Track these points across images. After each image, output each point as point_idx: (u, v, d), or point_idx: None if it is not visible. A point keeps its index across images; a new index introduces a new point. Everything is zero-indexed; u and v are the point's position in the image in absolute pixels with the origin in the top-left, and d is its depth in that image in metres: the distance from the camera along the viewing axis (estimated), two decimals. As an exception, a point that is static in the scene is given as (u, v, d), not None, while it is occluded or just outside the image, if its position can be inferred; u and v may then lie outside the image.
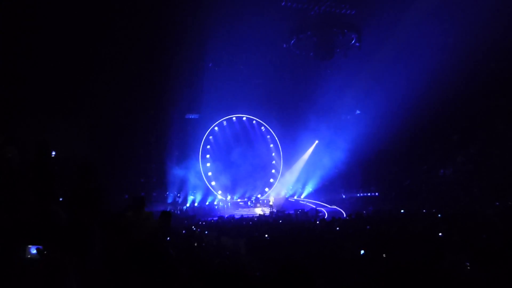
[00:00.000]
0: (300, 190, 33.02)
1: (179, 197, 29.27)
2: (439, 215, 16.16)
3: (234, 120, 32.85)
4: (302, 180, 32.94)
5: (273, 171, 33.61)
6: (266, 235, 12.57)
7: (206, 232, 14.47)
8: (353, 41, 24.62)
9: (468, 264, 5.90)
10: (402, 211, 19.75)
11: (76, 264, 2.28)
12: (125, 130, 26.58)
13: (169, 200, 28.78)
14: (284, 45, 25.11)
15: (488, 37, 21.40)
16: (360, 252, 7.86)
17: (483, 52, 22.38)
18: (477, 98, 25.12)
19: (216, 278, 2.98)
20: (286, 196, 32.53)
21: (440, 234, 9.94)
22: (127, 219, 6.21)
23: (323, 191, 32.04)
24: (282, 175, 33.25)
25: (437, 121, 27.22)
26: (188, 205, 29.32)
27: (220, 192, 31.21)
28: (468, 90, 24.48)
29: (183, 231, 13.41)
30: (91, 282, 1.99)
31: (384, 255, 7.70)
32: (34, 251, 3.18)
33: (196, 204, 29.66)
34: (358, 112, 32.01)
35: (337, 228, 12.87)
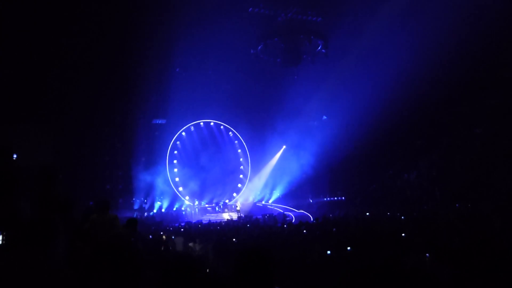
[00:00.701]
0: (268, 195, 33.14)
1: (145, 203, 28.85)
2: (402, 217, 16.57)
3: (202, 125, 32.71)
4: (270, 185, 33.08)
5: (241, 176, 33.61)
6: (234, 239, 12.56)
7: (173, 237, 14.31)
8: (319, 48, 24.99)
9: (429, 261, 6.09)
10: (367, 214, 20.13)
11: (39, 260, 2.23)
12: (90, 136, 26.04)
13: (136, 206, 28.32)
14: (252, 51, 25.24)
15: (452, 44, 22.09)
16: (326, 252, 7.97)
17: (447, 59, 23.07)
18: (440, 105, 25.90)
19: (181, 276, 2.99)
20: (254, 201, 32.57)
21: (403, 234, 10.18)
22: (92, 222, 6.12)
23: (290, 196, 32.26)
24: (250, 180, 33.29)
25: (402, 127, 27.89)
26: (155, 211, 28.92)
27: (187, 197, 30.94)
28: (432, 97, 25.22)
29: (150, 236, 13.24)
30: (53, 279, 1.96)
31: (350, 255, 7.83)
32: None
33: (163, 210, 29.29)
34: (325, 117, 32.46)
35: (304, 231, 12.98)
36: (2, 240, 3.27)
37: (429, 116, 26.86)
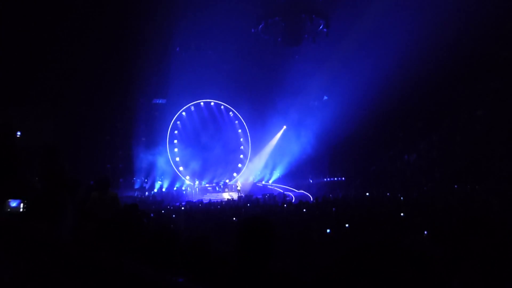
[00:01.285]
0: (268, 175, 33.29)
1: (146, 182, 29.04)
2: (402, 198, 16.70)
3: (202, 105, 32.68)
4: (270, 165, 33.21)
5: (241, 156, 33.73)
6: (234, 218, 12.68)
7: (174, 215, 14.47)
8: (321, 27, 24.75)
9: (426, 241, 6.17)
10: (367, 194, 20.27)
11: (50, 230, 2.30)
12: (91, 116, 26.04)
13: (137, 186, 28.52)
14: (253, 30, 25.02)
15: (454, 26, 21.90)
16: (326, 231, 8.07)
17: (449, 40, 22.90)
18: (442, 87, 25.80)
19: (184, 249, 3.08)
20: (254, 181, 32.74)
21: (402, 214, 10.29)
22: (93, 199, 6.18)
23: (290, 176, 32.40)
24: (250, 160, 33.42)
25: (403, 108, 27.83)
26: (155, 190, 29.12)
27: (188, 177, 31.12)
28: (433, 78, 25.11)
29: (151, 215, 13.37)
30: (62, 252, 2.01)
31: (348, 234, 7.94)
32: (14, 204, 3.36)
33: (163, 190, 29.49)
34: (325, 97, 32.37)
35: (304, 210, 13.11)
36: (23, 208, 3.43)
37: (430, 98, 26.77)
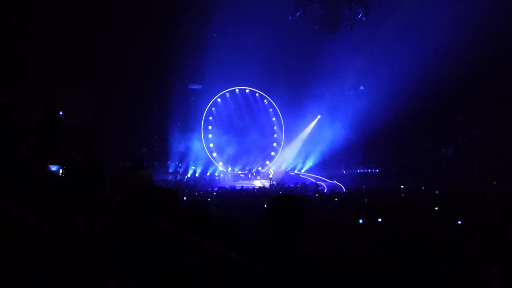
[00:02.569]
0: (300, 164, 33.18)
1: (180, 167, 29.46)
2: (437, 192, 16.35)
3: (237, 92, 32.76)
4: (303, 154, 33.07)
5: (275, 144, 33.72)
6: (265, 205, 12.74)
7: (209, 199, 14.70)
8: (359, 15, 24.27)
9: (460, 234, 6.04)
10: (402, 186, 19.94)
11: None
12: (128, 99, 26.53)
13: (171, 170, 28.99)
14: (290, 17, 24.79)
15: (496, 18, 21.15)
16: (359, 221, 8.01)
17: (492, 33, 22.13)
18: (482, 79, 24.99)
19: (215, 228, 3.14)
20: (287, 170, 32.72)
21: (436, 208, 10.08)
22: (128, 178, 6.41)
23: (323, 166, 32.22)
24: (283, 148, 33.37)
25: (441, 100, 27.13)
26: (189, 175, 29.54)
27: (221, 163, 31.40)
28: (475, 71, 24.33)
29: (185, 198, 13.61)
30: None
31: (381, 222, 7.85)
32: (53, 168, 3.60)
33: (197, 175, 29.88)
34: (362, 87, 31.85)
35: (336, 200, 13.03)
36: (61, 173, 3.65)
37: (470, 90, 25.96)
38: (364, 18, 24.01)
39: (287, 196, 2.62)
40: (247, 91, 32.99)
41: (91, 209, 1.55)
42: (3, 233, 1.32)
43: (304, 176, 31.11)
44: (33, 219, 1.45)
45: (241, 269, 1.62)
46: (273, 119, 33.79)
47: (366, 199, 13.03)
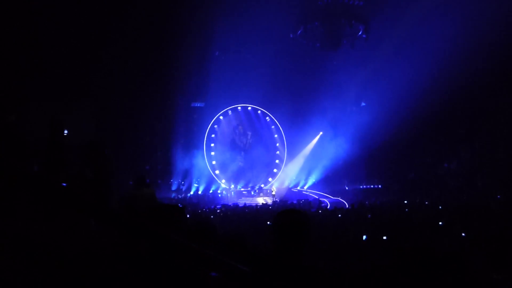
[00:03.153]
0: (303, 180, 33.13)
1: (183, 184, 29.48)
2: (440, 207, 16.28)
3: (239, 110, 32.92)
4: (306, 171, 33.04)
5: (277, 161, 33.72)
6: (268, 222, 12.71)
7: (212, 216, 14.68)
8: (360, 32, 24.55)
9: (465, 247, 6.04)
10: (405, 201, 19.88)
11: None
12: (132, 117, 26.72)
13: (174, 187, 29.00)
14: (291, 35, 25.09)
15: (495, 32, 21.34)
16: (362, 237, 7.99)
17: (490, 47, 22.31)
18: (484, 92, 25.09)
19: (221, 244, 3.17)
20: (289, 186, 32.66)
21: (440, 223, 10.05)
22: (131, 195, 6.44)
23: (326, 182, 32.13)
24: (285, 165, 33.36)
25: (443, 114, 27.20)
26: (192, 193, 29.53)
27: (224, 181, 31.39)
28: (475, 84, 24.45)
29: (188, 216, 13.59)
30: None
31: (385, 239, 7.83)
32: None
33: (200, 192, 29.87)
34: (363, 103, 31.99)
35: (339, 216, 13.00)
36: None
37: (472, 104, 26.04)
38: (364, 35, 24.29)
39: (292, 210, 2.66)
40: (249, 108, 33.14)
41: (102, 221, 1.60)
42: (14, 246, 1.36)
43: (307, 193, 31.02)
44: (44, 232, 1.49)
45: (250, 282, 1.65)
46: (275, 136, 33.85)
47: (369, 215, 12.99)
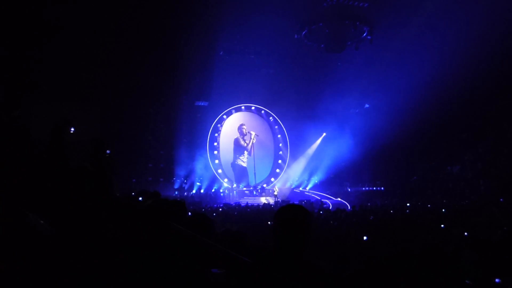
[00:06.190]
0: (305, 181, 33.10)
1: (185, 183, 29.50)
2: (443, 210, 16.26)
3: (243, 109, 32.92)
4: (308, 172, 33.00)
5: (280, 161, 33.71)
6: (269, 222, 12.71)
7: (214, 214, 14.71)
8: (364, 34, 24.52)
9: (466, 251, 6.02)
10: (408, 204, 19.86)
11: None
12: (135, 116, 26.77)
13: (176, 186, 29.03)
14: (296, 36, 25.07)
15: (500, 37, 21.31)
16: (363, 238, 7.99)
17: (495, 52, 22.27)
18: (487, 97, 25.05)
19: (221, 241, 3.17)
20: (292, 187, 32.63)
21: (442, 226, 10.05)
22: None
23: (328, 183, 32.11)
24: (288, 166, 33.34)
25: (446, 118, 27.16)
26: (194, 191, 29.55)
27: (226, 180, 31.40)
28: (479, 89, 24.41)
29: (189, 214, 13.62)
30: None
31: (386, 241, 7.83)
32: None
33: (202, 191, 29.87)
34: (367, 105, 31.94)
35: (341, 217, 13.00)
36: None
37: (476, 108, 26.00)
38: (369, 37, 24.25)
39: (293, 206, 2.66)
40: (253, 108, 33.14)
41: (105, 209, 1.61)
42: (14, 239, 1.36)
43: (309, 194, 30.98)
44: (45, 225, 1.50)
45: (253, 273, 1.64)
46: (279, 136, 33.84)
47: (371, 217, 12.99)
